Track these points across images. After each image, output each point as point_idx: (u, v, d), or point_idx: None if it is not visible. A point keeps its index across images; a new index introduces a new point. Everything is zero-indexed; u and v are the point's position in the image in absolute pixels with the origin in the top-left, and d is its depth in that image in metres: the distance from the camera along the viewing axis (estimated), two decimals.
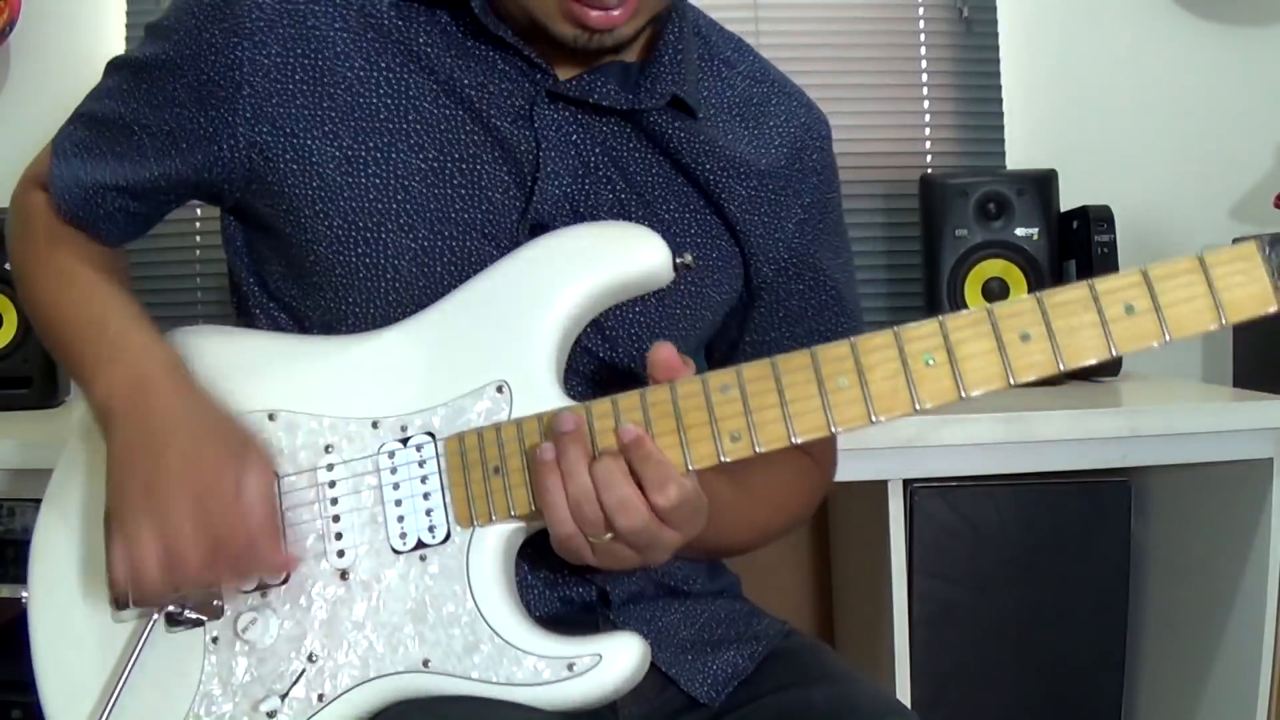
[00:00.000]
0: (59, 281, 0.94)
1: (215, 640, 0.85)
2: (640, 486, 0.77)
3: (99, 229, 0.96)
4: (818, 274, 1.02)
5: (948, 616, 1.62)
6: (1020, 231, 1.79)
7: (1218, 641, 1.56)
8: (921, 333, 0.76)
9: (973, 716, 1.63)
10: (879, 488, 1.53)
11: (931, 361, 0.75)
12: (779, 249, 0.99)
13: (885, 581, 1.53)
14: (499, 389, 0.84)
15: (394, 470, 0.84)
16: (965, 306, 1.75)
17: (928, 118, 2.09)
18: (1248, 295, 0.72)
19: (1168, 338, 0.73)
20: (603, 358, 0.92)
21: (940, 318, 0.76)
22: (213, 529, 0.79)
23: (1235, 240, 2.00)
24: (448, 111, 0.89)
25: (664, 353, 0.79)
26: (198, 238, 1.91)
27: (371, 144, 0.88)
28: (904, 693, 1.51)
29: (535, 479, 0.78)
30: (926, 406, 0.75)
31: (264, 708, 0.82)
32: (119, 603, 0.86)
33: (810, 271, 1.01)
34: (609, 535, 0.78)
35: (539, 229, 0.88)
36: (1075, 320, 0.74)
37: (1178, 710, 1.66)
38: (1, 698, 1.51)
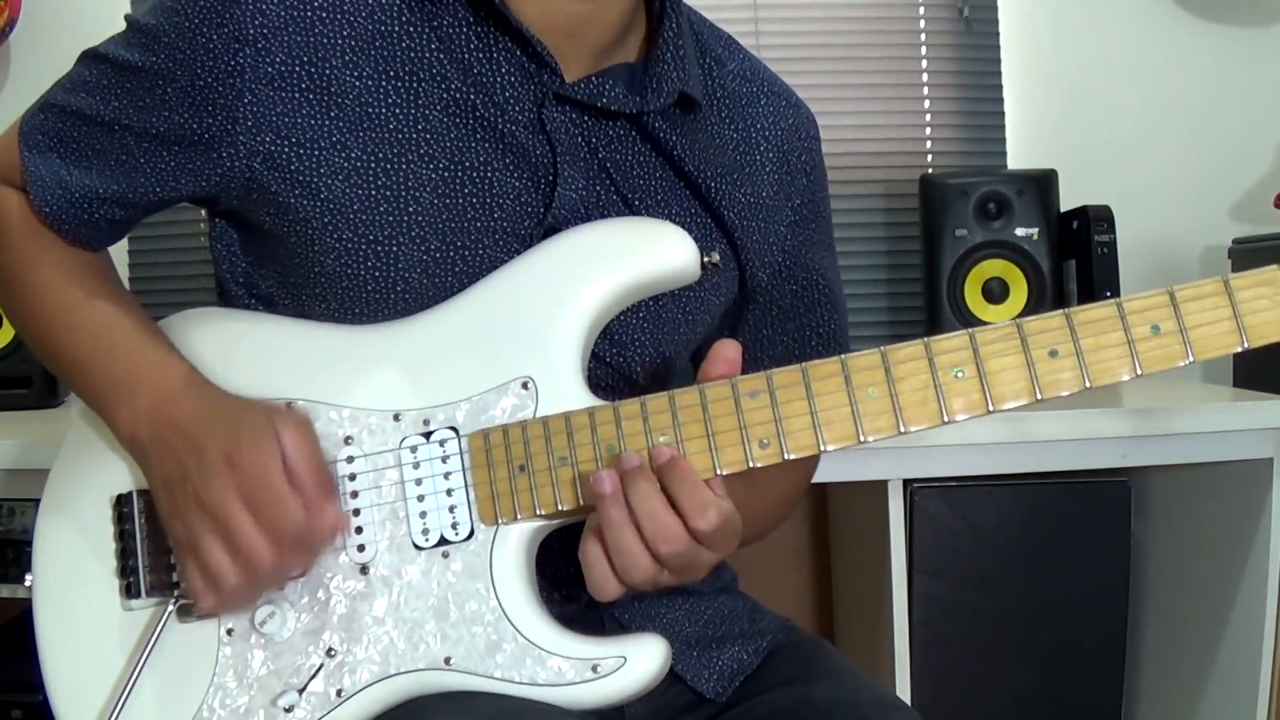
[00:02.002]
0: (49, 296, 0.91)
1: (230, 633, 0.84)
2: (678, 510, 0.76)
3: (80, 235, 0.92)
4: (809, 274, 1.02)
5: (948, 616, 1.62)
6: (1020, 231, 1.79)
7: (1218, 641, 1.56)
8: (951, 345, 0.76)
9: (973, 716, 1.63)
10: (879, 488, 1.53)
11: (961, 374, 0.76)
12: (773, 253, 0.99)
13: (885, 581, 1.54)
14: (524, 385, 0.83)
15: (416, 465, 0.84)
16: (965, 307, 1.77)
17: (928, 118, 2.09)
18: (1270, 320, 0.74)
19: (1191, 359, 0.74)
20: (608, 361, 0.92)
21: (969, 331, 0.77)
22: (272, 519, 0.79)
23: (1235, 241, 2.01)
24: (457, 120, 0.87)
25: (731, 352, 0.79)
26: (202, 225, 1.92)
27: (381, 155, 0.86)
28: (904, 692, 1.52)
29: (581, 546, 0.78)
30: (957, 419, 0.76)
31: (281, 702, 0.82)
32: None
33: (803, 272, 1.02)
34: (660, 576, 0.78)
35: (552, 233, 0.87)
36: (1103, 339, 0.75)
37: (1178, 710, 1.66)
38: (2, 698, 1.51)
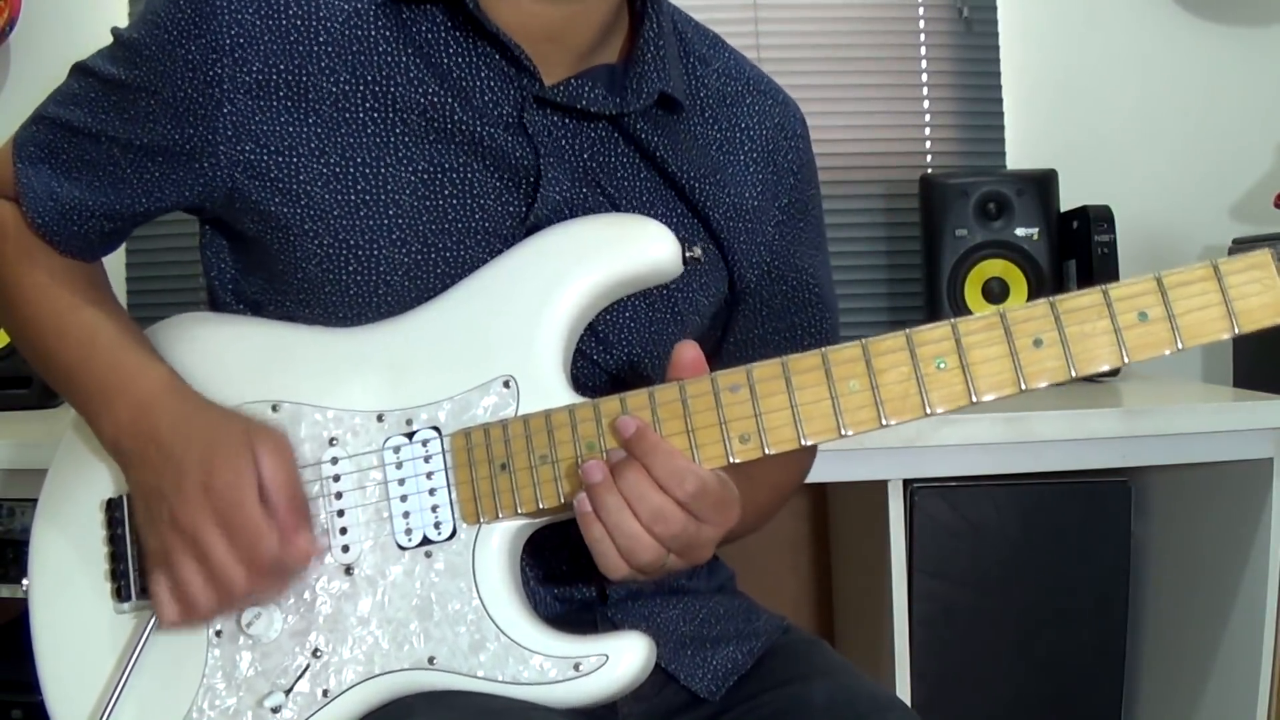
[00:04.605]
0: (39, 303, 0.92)
1: (219, 634, 0.84)
2: (657, 481, 0.75)
3: (72, 247, 0.93)
4: (799, 274, 1.02)
5: (948, 616, 1.61)
6: (1020, 231, 1.79)
7: (1218, 641, 1.56)
8: (933, 336, 0.75)
9: (973, 716, 1.63)
10: (879, 488, 1.53)
11: (943, 365, 0.75)
12: (760, 253, 0.99)
13: (885, 581, 1.53)
14: (505, 384, 0.83)
15: (399, 465, 0.84)
16: (965, 306, 1.77)
17: (928, 118, 2.09)
18: (1261, 304, 0.72)
19: (1180, 346, 0.72)
20: (596, 360, 0.92)
21: (952, 321, 0.75)
22: (244, 548, 0.80)
23: (1235, 241, 2.01)
24: (434, 124, 0.87)
25: (690, 353, 0.79)
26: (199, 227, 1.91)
27: (359, 160, 0.86)
28: (904, 692, 1.52)
29: (581, 527, 0.77)
30: (938, 411, 0.75)
31: (268, 703, 0.82)
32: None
33: (792, 273, 1.01)
34: (667, 559, 0.77)
35: (533, 233, 0.87)
36: (1088, 326, 0.73)
37: (1178, 710, 1.66)
38: (2, 698, 1.51)
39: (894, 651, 1.52)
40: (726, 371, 0.78)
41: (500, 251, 0.87)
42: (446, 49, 0.88)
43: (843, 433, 0.76)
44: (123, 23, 1.75)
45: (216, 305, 0.96)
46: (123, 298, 1.99)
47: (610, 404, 0.79)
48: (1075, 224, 1.79)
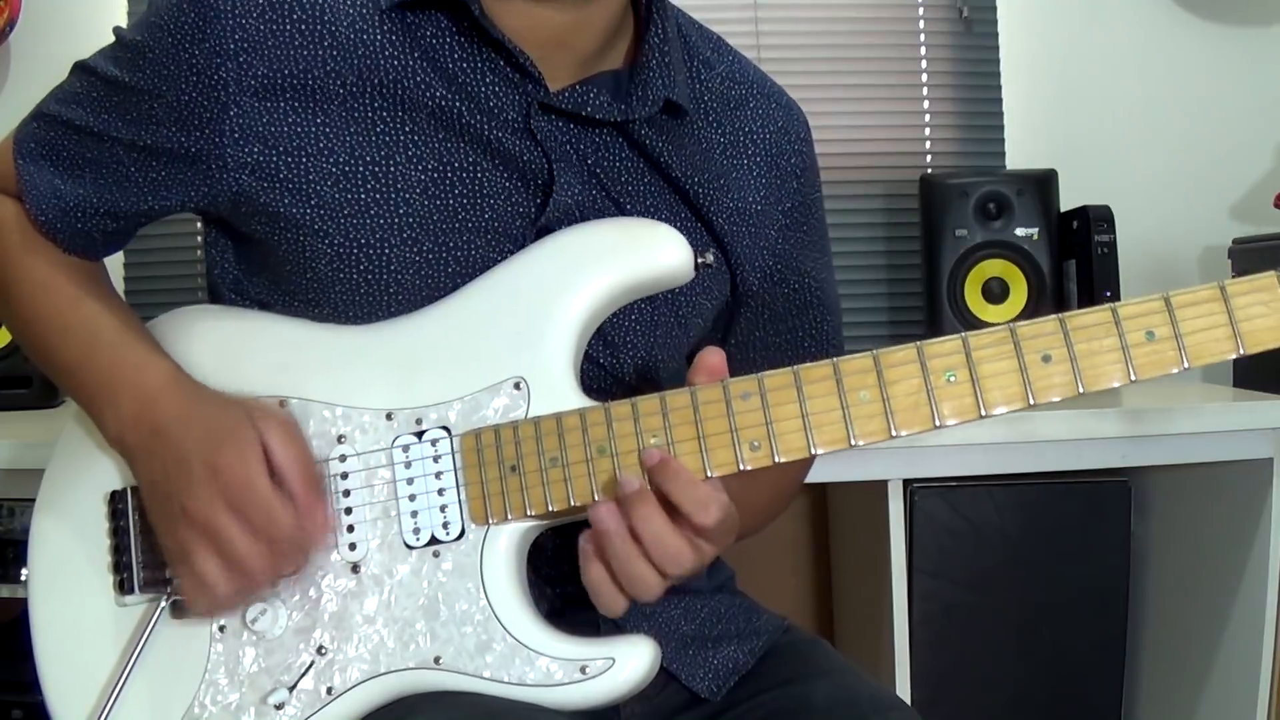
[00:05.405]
0: (40, 300, 0.92)
1: (222, 629, 0.84)
2: (678, 511, 0.76)
3: (75, 245, 0.93)
4: (802, 277, 1.02)
5: (948, 616, 1.62)
6: (1020, 231, 1.79)
7: (1218, 641, 1.56)
8: (944, 349, 0.76)
9: (973, 716, 1.64)
10: (879, 488, 1.54)
11: (953, 379, 0.75)
12: (764, 257, 0.99)
13: (885, 581, 1.54)
14: (516, 385, 0.83)
15: (408, 464, 0.83)
16: (965, 307, 1.77)
17: (928, 118, 2.10)
18: (1266, 326, 0.73)
19: (1186, 365, 0.73)
20: (602, 364, 0.91)
21: (963, 334, 0.76)
22: (260, 527, 0.79)
23: (1235, 241, 2.00)
24: (443, 125, 0.87)
25: (714, 359, 0.79)
26: (198, 224, 1.91)
27: (369, 159, 0.86)
28: (904, 692, 1.52)
29: (581, 565, 0.78)
30: (948, 423, 0.75)
31: (271, 700, 0.82)
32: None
33: (795, 276, 1.01)
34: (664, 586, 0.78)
35: (544, 234, 0.87)
36: (1096, 344, 0.74)
37: (1178, 710, 1.66)
38: (2, 698, 1.51)
39: (894, 651, 1.52)
40: (738, 379, 0.78)
41: (509, 251, 0.87)
42: (452, 54, 0.88)
43: (853, 443, 0.77)
44: (122, 23, 1.75)
45: (219, 303, 0.95)
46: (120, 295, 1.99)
47: (621, 407, 0.79)
48: (1075, 224, 1.79)
